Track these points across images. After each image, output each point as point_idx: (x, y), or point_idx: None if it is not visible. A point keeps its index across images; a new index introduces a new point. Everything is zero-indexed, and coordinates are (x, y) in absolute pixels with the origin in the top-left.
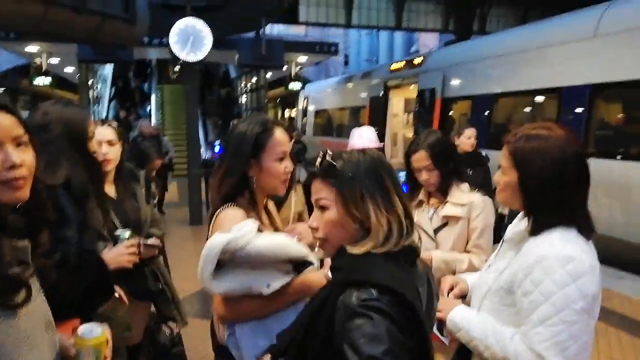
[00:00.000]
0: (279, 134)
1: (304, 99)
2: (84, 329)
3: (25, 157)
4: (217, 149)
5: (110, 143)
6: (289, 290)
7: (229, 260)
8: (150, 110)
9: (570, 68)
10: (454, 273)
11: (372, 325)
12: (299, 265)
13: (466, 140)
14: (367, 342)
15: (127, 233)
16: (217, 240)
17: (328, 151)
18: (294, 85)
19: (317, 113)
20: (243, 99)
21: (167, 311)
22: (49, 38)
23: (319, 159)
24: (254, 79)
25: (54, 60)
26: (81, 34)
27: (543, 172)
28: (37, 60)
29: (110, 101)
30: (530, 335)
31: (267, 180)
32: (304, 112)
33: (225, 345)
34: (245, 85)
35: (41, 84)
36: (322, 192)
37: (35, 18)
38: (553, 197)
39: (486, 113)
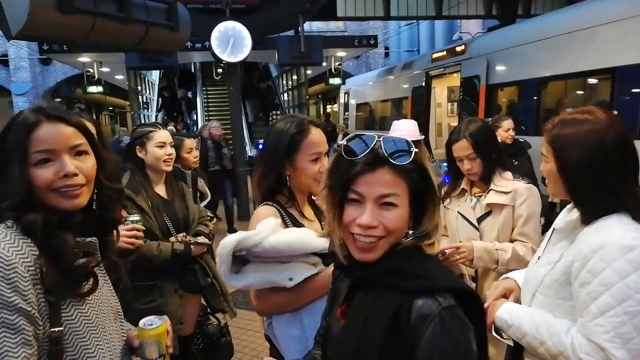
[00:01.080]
0: (315, 134)
1: (345, 94)
2: (146, 321)
3: (83, 165)
4: (261, 147)
5: (171, 145)
6: (316, 283)
7: (253, 257)
8: (196, 119)
9: (624, 47)
10: (497, 262)
11: (457, 334)
12: (327, 257)
13: (504, 132)
14: (455, 352)
15: (134, 217)
16: (228, 240)
17: (381, 137)
18: (334, 80)
19: (359, 107)
20: (284, 96)
21: (216, 304)
22: (98, 49)
23: (376, 146)
24: (294, 77)
25: (105, 69)
26: (128, 43)
27: (580, 159)
28: (89, 70)
29: (158, 112)
30: (590, 326)
31: (301, 180)
32: (346, 106)
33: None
34: (287, 83)
35: (94, 91)
36: (392, 186)
37: (84, 30)
38: (595, 184)
39: (534, 98)
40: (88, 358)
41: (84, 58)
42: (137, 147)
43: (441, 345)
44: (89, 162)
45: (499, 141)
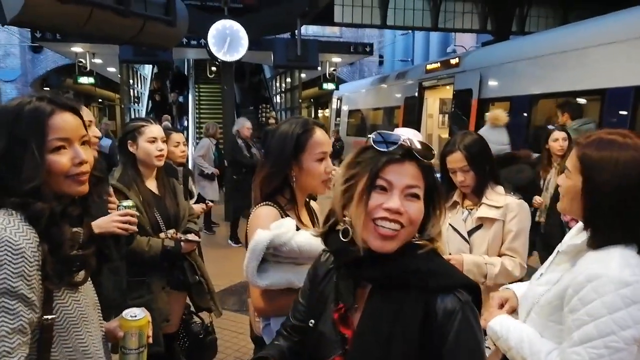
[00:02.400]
0: (319, 134)
1: (338, 99)
2: (128, 312)
3: (88, 155)
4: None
5: (163, 140)
6: None
7: (272, 256)
8: (187, 125)
9: (614, 69)
10: (485, 277)
11: (477, 327)
12: None
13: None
14: (478, 345)
15: (128, 202)
16: (263, 237)
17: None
18: (328, 86)
19: (351, 113)
20: (277, 99)
21: (202, 302)
22: (94, 39)
23: (405, 142)
24: (288, 80)
25: (97, 61)
26: (124, 36)
27: (611, 184)
28: (82, 61)
29: (148, 115)
30: (568, 353)
31: (307, 180)
32: (338, 112)
33: (261, 336)
34: (280, 86)
35: (85, 82)
36: (417, 179)
37: (80, 20)
38: (617, 213)
39: (525, 114)
40: (79, 344)
41: (77, 48)
42: (129, 141)
43: (467, 340)
44: (91, 152)
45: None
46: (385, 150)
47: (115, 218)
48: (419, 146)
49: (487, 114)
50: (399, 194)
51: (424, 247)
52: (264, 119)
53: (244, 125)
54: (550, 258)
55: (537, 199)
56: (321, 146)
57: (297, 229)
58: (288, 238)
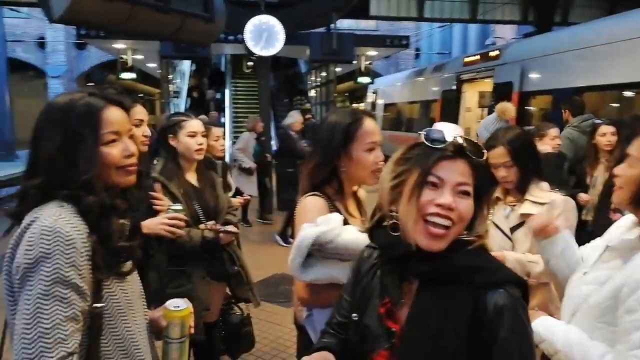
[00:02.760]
0: (369, 123)
1: (373, 93)
2: (172, 303)
3: (134, 148)
4: None
5: (202, 134)
6: None
7: (317, 251)
8: (224, 122)
9: None
10: (528, 275)
11: (528, 324)
12: None
13: (550, 141)
14: (529, 342)
15: (177, 207)
16: (309, 233)
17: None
18: (363, 79)
19: (387, 107)
20: (312, 93)
21: (241, 292)
22: (135, 36)
23: (454, 137)
24: (323, 74)
25: (138, 56)
26: (164, 32)
27: None
28: (124, 57)
29: (186, 111)
30: (627, 357)
31: (356, 171)
32: (373, 106)
33: (303, 325)
34: (315, 80)
35: (127, 78)
36: (468, 177)
37: (123, 17)
38: None
39: None
40: (127, 332)
41: (119, 45)
42: (170, 135)
43: (518, 336)
44: (135, 146)
45: (547, 151)
46: (438, 147)
47: (164, 221)
48: (471, 144)
49: (497, 105)
50: (450, 190)
51: (473, 243)
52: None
53: (290, 117)
54: (596, 255)
55: (582, 196)
56: (371, 136)
57: (345, 222)
58: (334, 235)
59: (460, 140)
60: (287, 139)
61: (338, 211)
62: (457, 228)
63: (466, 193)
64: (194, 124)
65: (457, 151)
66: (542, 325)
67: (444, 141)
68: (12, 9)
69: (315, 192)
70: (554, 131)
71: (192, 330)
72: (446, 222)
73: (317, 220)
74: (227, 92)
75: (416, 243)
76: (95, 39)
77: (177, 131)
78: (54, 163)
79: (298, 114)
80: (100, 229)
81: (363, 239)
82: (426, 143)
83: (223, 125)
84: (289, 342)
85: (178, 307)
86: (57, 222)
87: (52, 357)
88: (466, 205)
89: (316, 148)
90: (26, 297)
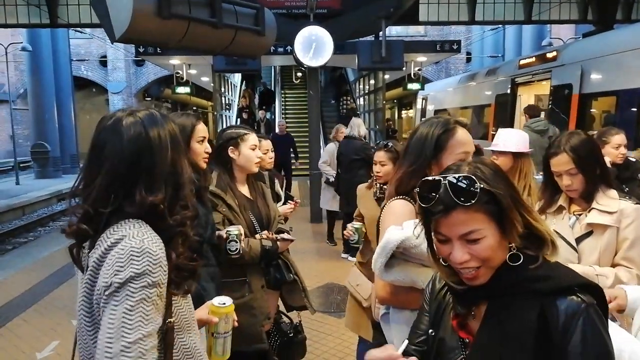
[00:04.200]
0: (462, 133)
1: (423, 99)
2: (217, 300)
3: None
4: None
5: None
6: None
7: (401, 254)
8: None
9: None
10: None
11: (605, 332)
12: None
13: (613, 150)
14: (606, 349)
15: (234, 230)
16: (395, 237)
17: (448, 177)
18: (413, 86)
19: (437, 113)
20: (361, 101)
21: (296, 300)
22: (190, 52)
23: (442, 192)
24: (371, 81)
25: (192, 71)
26: (217, 47)
27: None
28: (179, 72)
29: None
30: None
31: None
32: (423, 112)
33: (379, 321)
34: (363, 87)
35: (182, 92)
36: (470, 223)
37: (179, 35)
38: None
39: (634, 110)
40: (192, 342)
41: (175, 60)
42: (231, 147)
43: (593, 345)
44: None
45: (608, 162)
46: (428, 207)
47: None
48: (459, 190)
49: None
50: (459, 242)
51: (534, 258)
52: (344, 110)
53: (360, 125)
54: None
55: None
56: (463, 146)
57: None
58: (419, 242)
59: (444, 193)
60: (363, 148)
61: None
62: (486, 266)
63: (475, 240)
64: (255, 138)
65: (447, 205)
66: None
67: (429, 202)
68: (77, 31)
69: (404, 197)
70: (618, 138)
71: (236, 324)
72: (470, 271)
73: (403, 225)
74: (277, 102)
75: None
76: (152, 55)
77: (239, 144)
78: (132, 184)
79: (360, 120)
80: (175, 246)
81: None
82: (419, 202)
83: (273, 122)
84: (340, 354)
85: (224, 303)
86: (144, 242)
87: None
88: (481, 249)
89: (406, 157)
90: (111, 313)
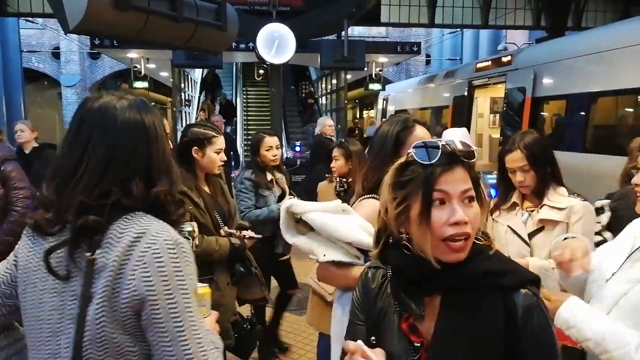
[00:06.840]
0: (419, 131)
1: (384, 100)
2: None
3: None
4: (297, 148)
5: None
6: (344, 272)
7: (305, 223)
8: (236, 127)
9: None
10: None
11: (551, 321)
12: (367, 254)
13: None
14: (555, 338)
15: (188, 227)
16: (287, 202)
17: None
18: (374, 86)
19: (397, 113)
20: (322, 100)
21: (254, 294)
22: (149, 45)
23: (447, 149)
24: (333, 81)
25: (151, 65)
26: (177, 41)
27: None
28: (137, 66)
29: None
30: None
31: None
32: (384, 112)
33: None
34: (325, 87)
35: (140, 87)
36: (467, 181)
37: (136, 27)
38: None
39: (582, 114)
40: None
41: (132, 54)
42: (195, 147)
43: (546, 335)
44: None
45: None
46: (431, 163)
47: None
48: (460, 146)
49: None
50: (458, 202)
51: (489, 249)
52: (303, 94)
53: (325, 124)
54: (621, 256)
55: None
56: (421, 140)
57: None
58: (303, 210)
59: (453, 146)
60: (325, 145)
61: None
62: (473, 234)
63: (471, 198)
64: (222, 142)
65: (452, 159)
66: (569, 311)
67: (435, 156)
68: (28, 20)
69: (372, 195)
70: None
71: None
72: (464, 236)
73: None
74: (238, 100)
75: (437, 259)
76: (108, 48)
77: (206, 146)
78: (129, 175)
79: (327, 119)
80: None
81: (335, 227)
82: (418, 160)
83: (234, 133)
84: (301, 351)
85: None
86: (170, 233)
87: (216, 353)
88: (475, 212)
89: (369, 153)
90: (172, 311)
